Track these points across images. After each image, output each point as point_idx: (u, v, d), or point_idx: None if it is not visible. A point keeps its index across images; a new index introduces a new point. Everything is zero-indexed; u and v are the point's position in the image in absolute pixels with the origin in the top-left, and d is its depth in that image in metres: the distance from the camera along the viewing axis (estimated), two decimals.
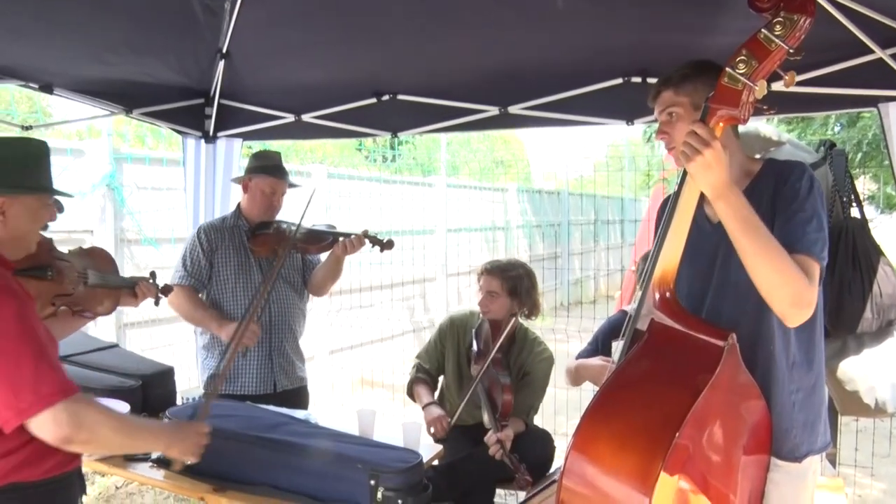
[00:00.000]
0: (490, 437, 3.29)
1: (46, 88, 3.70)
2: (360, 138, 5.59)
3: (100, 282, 2.57)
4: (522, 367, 3.63)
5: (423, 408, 3.65)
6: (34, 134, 4.16)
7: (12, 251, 2.03)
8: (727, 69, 1.72)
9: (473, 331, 3.69)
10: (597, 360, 3.29)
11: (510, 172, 16.14)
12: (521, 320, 3.67)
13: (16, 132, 5.11)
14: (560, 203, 14.88)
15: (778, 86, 1.78)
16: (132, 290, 2.79)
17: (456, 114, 4.01)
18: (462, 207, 10.71)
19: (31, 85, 3.67)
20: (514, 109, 3.85)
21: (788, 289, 1.77)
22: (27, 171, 2.01)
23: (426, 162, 13.77)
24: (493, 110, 3.90)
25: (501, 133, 20.86)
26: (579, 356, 3.51)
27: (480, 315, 3.67)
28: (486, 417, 3.42)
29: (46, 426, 1.79)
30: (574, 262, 14.98)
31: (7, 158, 1.99)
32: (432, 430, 3.50)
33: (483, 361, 3.44)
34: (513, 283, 3.56)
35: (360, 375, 7.38)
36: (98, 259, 2.66)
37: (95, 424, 1.88)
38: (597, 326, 3.46)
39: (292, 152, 8.56)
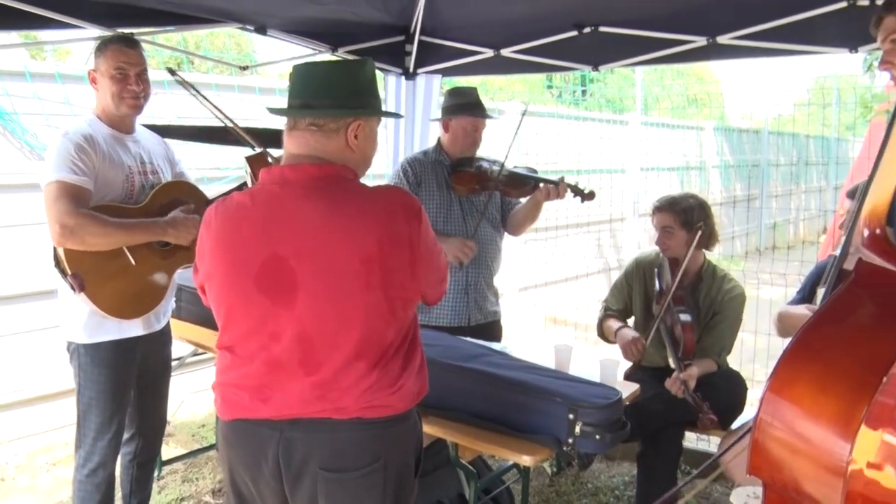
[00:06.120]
0: (672, 379, 3.28)
1: (261, 30, 3.89)
2: (556, 73, 5.51)
3: None
4: (712, 306, 3.52)
5: (616, 333, 3.60)
6: (249, 74, 4.40)
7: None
8: None
9: (656, 270, 3.61)
10: (801, 309, 3.14)
11: (704, 111, 15.44)
12: (703, 252, 3.59)
13: (232, 72, 5.43)
14: (759, 142, 14.10)
15: None
16: None
17: (659, 45, 3.86)
18: (655, 146, 10.38)
19: (248, 27, 3.87)
20: (723, 39, 3.65)
21: None
22: (377, 91, 1.99)
23: (616, 100, 13.42)
24: (701, 41, 3.71)
25: (696, 70, 19.98)
26: (789, 304, 3.35)
27: (661, 254, 3.59)
28: (669, 357, 3.36)
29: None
30: (772, 204, 14.22)
31: (372, 79, 1.97)
32: (628, 353, 3.48)
33: (664, 300, 3.37)
34: (685, 214, 3.45)
35: (549, 313, 7.42)
36: None
37: None
38: (792, 272, 3.26)
39: (482, 89, 8.59)
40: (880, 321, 1.64)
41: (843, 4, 3.20)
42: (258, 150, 2.81)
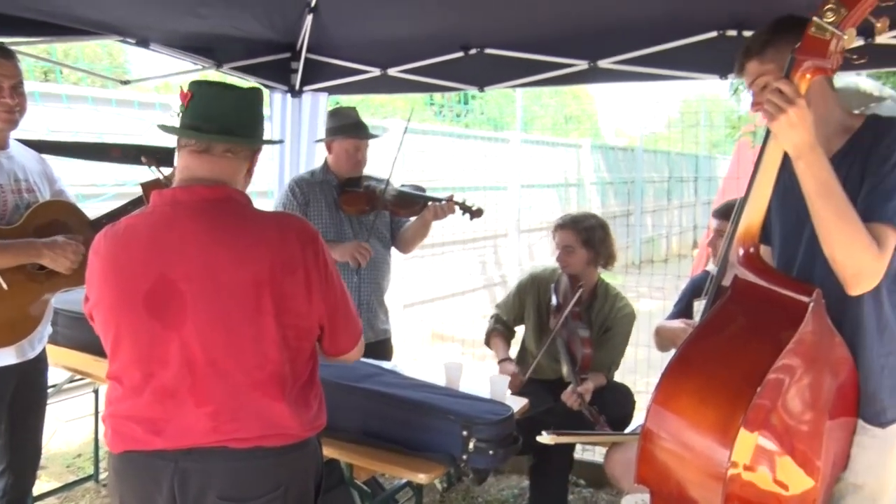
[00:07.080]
0: (568, 392, 3.35)
1: (143, 43, 3.77)
2: (440, 92, 5.58)
3: None
4: (604, 323, 3.64)
5: (499, 363, 3.68)
6: (131, 88, 4.26)
7: None
8: (815, 19, 1.64)
9: (552, 286, 3.70)
10: (678, 323, 3.28)
11: (581, 128, 15.95)
12: (599, 271, 3.71)
13: (105, 84, 5.24)
14: (634, 160, 14.67)
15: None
16: None
17: (543, 68, 3.96)
18: (535, 163, 10.63)
19: (129, 40, 3.74)
20: (603, 63, 3.78)
21: (852, 260, 1.71)
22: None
23: (497, 117, 13.69)
24: (582, 64, 3.83)
25: (573, 89, 20.59)
26: (667, 319, 3.50)
27: (559, 270, 3.68)
28: (565, 371, 3.46)
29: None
30: (646, 219, 14.80)
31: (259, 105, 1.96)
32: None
33: (560, 314, 3.46)
34: (587, 234, 3.57)
35: (435, 329, 7.46)
36: None
37: None
38: (668, 285, 3.42)
39: (364, 106, 8.61)
40: (754, 334, 1.75)
41: (714, 34, 3.40)
42: (154, 176, 2.71)
